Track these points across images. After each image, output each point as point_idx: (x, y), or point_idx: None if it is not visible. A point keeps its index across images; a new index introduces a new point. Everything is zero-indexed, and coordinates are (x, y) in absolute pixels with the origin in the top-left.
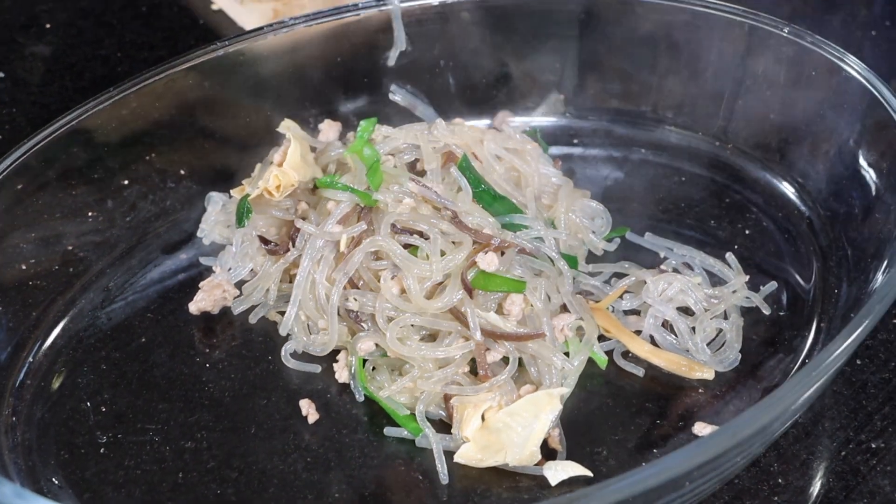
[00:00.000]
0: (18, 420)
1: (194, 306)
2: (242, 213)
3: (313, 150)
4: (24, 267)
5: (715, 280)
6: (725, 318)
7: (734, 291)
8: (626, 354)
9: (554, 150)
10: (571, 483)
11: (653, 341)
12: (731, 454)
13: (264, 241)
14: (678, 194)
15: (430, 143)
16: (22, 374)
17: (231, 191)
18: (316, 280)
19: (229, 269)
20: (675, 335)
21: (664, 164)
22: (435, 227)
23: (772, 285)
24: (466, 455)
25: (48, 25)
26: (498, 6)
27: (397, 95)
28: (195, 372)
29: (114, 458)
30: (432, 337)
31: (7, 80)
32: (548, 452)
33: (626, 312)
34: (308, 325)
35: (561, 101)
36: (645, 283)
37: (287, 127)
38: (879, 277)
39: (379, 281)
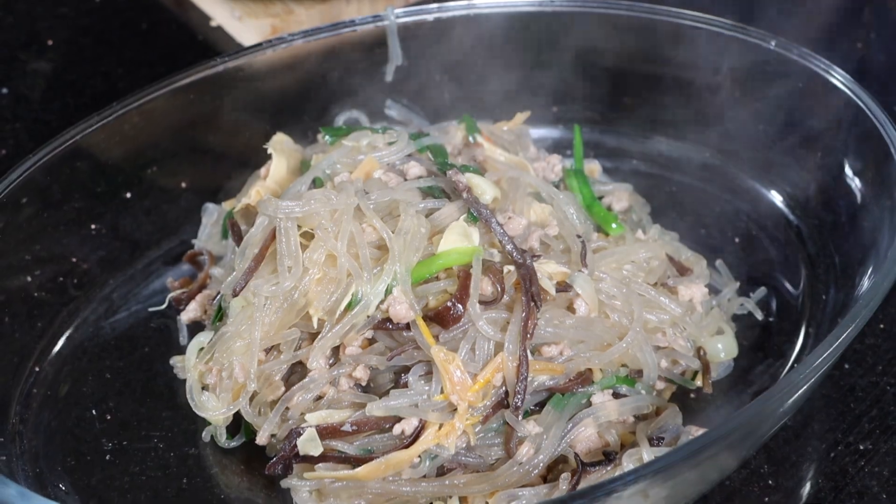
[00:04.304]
0: (25, 428)
1: (185, 316)
2: (227, 226)
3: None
4: (29, 279)
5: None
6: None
7: (728, 300)
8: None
9: None
10: None
11: None
12: (720, 456)
13: None
14: (669, 204)
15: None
16: (28, 383)
17: (223, 203)
18: None
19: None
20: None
21: (655, 174)
22: None
23: (762, 291)
24: None
25: (49, 42)
26: (488, 19)
27: (393, 110)
28: None
29: (119, 465)
30: None
31: (9, 96)
32: None
33: None
34: None
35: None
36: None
37: (279, 141)
38: (865, 283)
39: None
